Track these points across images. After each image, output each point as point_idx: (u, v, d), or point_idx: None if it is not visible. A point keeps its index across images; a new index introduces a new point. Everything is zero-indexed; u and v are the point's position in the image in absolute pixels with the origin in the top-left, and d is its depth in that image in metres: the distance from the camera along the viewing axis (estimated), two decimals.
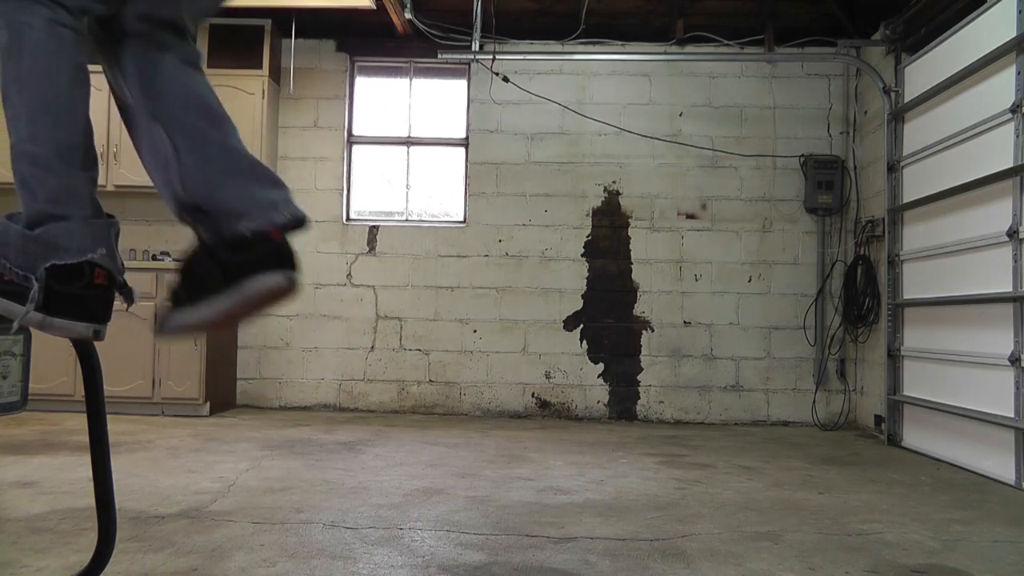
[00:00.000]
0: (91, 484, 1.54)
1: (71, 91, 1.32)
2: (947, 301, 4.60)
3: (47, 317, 1.25)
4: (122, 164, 5.75)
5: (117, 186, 5.77)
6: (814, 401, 6.04)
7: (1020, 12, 3.91)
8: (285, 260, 1.25)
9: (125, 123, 1.42)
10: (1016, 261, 3.90)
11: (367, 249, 6.23)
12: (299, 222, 1.28)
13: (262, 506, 3.12)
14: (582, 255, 6.18)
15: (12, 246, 1.27)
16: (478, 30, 5.81)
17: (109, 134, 5.79)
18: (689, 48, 6.15)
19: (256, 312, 1.29)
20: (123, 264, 1.37)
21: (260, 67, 5.95)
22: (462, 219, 6.29)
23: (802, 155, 6.13)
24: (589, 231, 6.19)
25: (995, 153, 4.13)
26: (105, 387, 1.55)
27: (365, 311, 6.20)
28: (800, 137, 6.17)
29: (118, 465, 3.69)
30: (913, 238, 5.13)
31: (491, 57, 5.90)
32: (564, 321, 6.15)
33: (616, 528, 2.93)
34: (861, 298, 5.73)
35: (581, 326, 6.14)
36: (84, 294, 1.27)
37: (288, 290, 1.25)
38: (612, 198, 6.20)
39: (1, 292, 1.29)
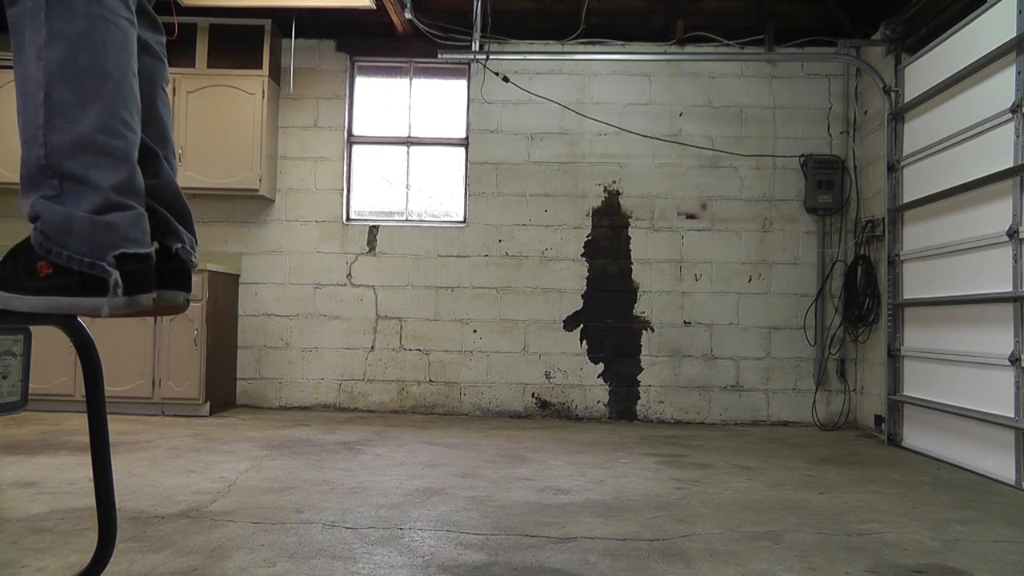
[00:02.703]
0: (91, 484, 1.54)
1: (137, 86, 1.36)
2: (947, 301, 4.60)
3: (132, 298, 1.29)
4: None
5: None
6: (814, 401, 6.04)
7: (1020, 12, 3.91)
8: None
9: None
10: (1016, 261, 3.90)
11: (367, 249, 6.23)
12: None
13: (262, 506, 3.12)
14: (582, 255, 6.18)
15: (76, 234, 1.26)
16: (478, 30, 5.81)
17: None
18: (689, 48, 6.15)
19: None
20: None
21: (260, 67, 5.95)
22: (462, 219, 6.29)
23: (802, 155, 6.13)
24: (589, 231, 6.19)
25: (995, 153, 4.13)
26: (105, 387, 1.55)
27: (365, 311, 6.20)
28: (800, 137, 6.17)
29: (118, 465, 3.70)
30: (913, 238, 5.13)
31: (490, 57, 5.90)
32: (564, 321, 6.15)
33: (616, 528, 2.93)
34: (861, 298, 5.73)
35: (581, 326, 6.14)
36: (137, 269, 1.31)
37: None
38: (612, 198, 6.20)
39: (45, 289, 1.29)
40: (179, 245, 1.45)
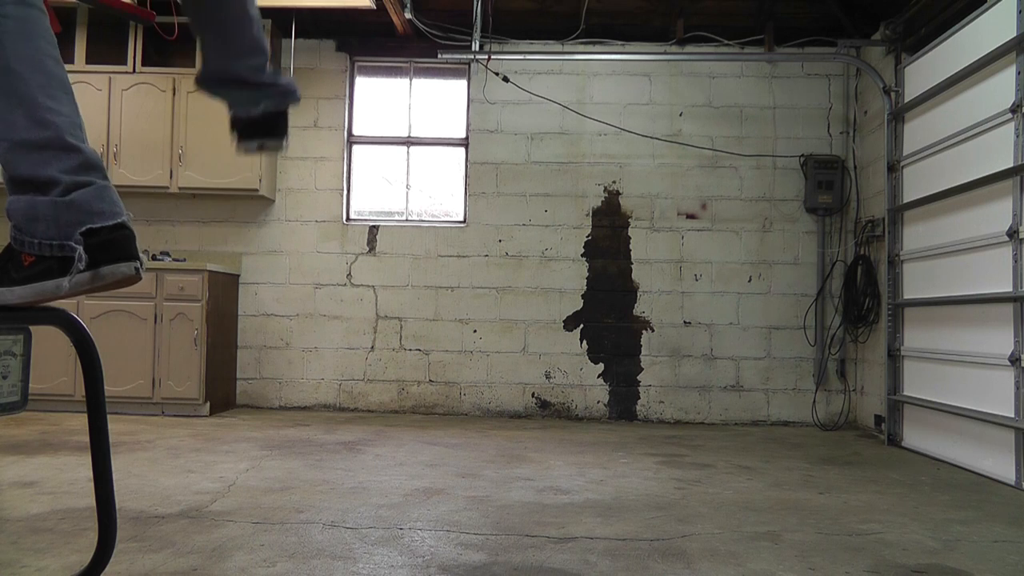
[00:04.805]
0: (91, 484, 1.54)
1: (61, 69, 1.33)
2: (947, 301, 4.60)
3: (95, 271, 1.29)
4: (122, 164, 5.75)
5: (117, 186, 5.75)
6: (814, 401, 6.04)
7: (1020, 12, 3.91)
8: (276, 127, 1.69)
9: None
10: (1016, 261, 3.90)
11: (367, 249, 6.23)
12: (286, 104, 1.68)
13: (262, 506, 3.12)
14: (582, 255, 6.18)
15: (42, 219, 1.27)
16: (478, 30, 5.81)
17: (109, 134, 5.80)
18: (689, 48, 6.15)
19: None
20: None
21: None
22: (462, 219, 6.29)
23: (802, 155, 6.13)
24: (589, 231, 6.19)
25: (995, 153, 4.13)
26: (105, 387, 1.55)
27: (365, 311, 6.20)
28: (800, 137, 6.17)
29: (118, 465, 3.71)
30: (913, 238, 5.13)
31: (491, 57, 5.90)
32: (564, 321, 6.15)
33: (616, 528, 2.93)
34: (861, 298, 5.73)
35: (581, 326, 6.14)
36: (113, 237, 1.30)
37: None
38: (612, 198, 6.20)
39: (31, 277, 1.29)
40: (130, 214, 1.39)
